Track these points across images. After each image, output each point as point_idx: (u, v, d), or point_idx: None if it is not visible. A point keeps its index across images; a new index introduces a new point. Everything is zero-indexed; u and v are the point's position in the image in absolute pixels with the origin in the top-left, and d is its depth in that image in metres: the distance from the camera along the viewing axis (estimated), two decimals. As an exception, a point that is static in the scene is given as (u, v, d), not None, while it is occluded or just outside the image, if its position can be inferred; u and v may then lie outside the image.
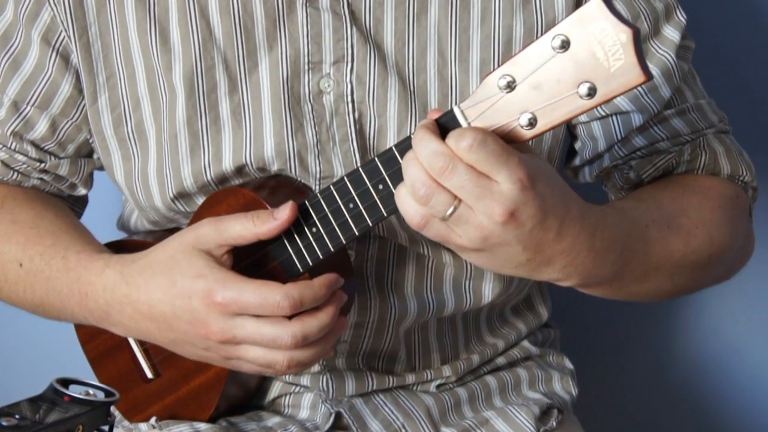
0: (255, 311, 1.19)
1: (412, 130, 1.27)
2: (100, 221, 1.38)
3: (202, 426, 1.36)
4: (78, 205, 1.47)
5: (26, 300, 1.36)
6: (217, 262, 1.21)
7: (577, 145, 1.39)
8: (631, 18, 1.30)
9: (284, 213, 1.20)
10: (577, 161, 1.40)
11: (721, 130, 1.40)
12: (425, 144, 1.06)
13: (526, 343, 1.51)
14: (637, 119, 1.34)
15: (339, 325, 1.24)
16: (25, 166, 1.39)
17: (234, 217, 1.21)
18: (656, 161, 1.36)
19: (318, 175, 1.30)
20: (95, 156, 1.40)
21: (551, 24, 1.29)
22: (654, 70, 1.32)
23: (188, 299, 1.20)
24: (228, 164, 1.30)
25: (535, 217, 1.07)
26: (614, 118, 1.34)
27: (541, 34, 1.28)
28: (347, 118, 1.29)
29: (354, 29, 1.27)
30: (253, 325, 1.19)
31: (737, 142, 1.42)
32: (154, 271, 1.23)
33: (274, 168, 1.29)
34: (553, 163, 1.36)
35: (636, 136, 1.35)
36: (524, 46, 1.06)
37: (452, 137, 1.05)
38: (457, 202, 1.06)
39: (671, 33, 1.33)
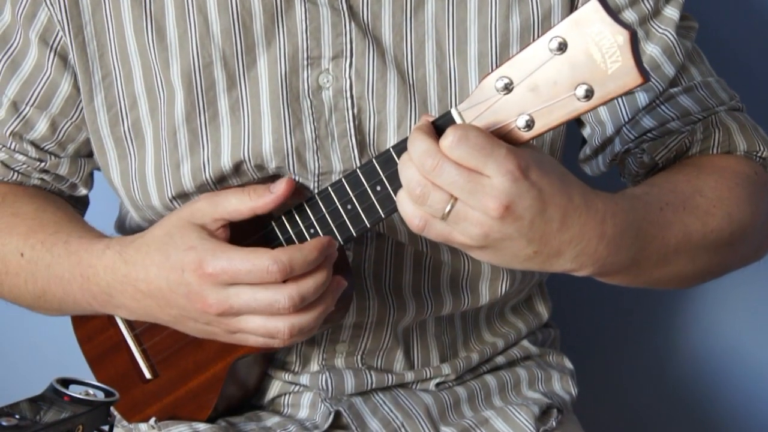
0: (246, 278, 1.18)
1: (412, 125, 1.28)
2: (98, 223, 1.38)
3: (201, 426, 1.36)
4: (79, 205, 1.47)
5: (27, 292, 1.35)
6: (210, 234, 1.21)
7: (586, 132, 1.39)
8: (631, 0, 1.31)
9: (280, 187, 1.21)
10: (588, 150, 1.39)
11: (733, 107, 1.38)
12: (417, 144, 1.07)
13: (525, 343, 1.50)
14: (642, 99, 1.33)
15: (336, 284, 1.22)
16: (25, 166, 1.39)
17: (230, 191, 1.22)
18: (668, 142, 1.34)
19: (316, 172, 1.30)
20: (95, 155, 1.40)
21: (547, 14, 1.29)
22: (655, 49, 1.32)
23: (181, 272, 1.20)
24: (226, 161, 1.29)
25: (533, 208, 1.06)
26: (619, 99, 1.33)
27: (537, 26, 1.28)
28: (346, 113, 1.29)
29: (353, 24, 1.27)
30: (248, 293, 1.18)
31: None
32: (150, 247, 1.23)
33: (272, 165, 1.29)
34: (555, 156, 1.35)
35: (644, 117, 1.34)
36: (521, 48, 1.06)
37: (442, 137, 1.06)
38: (453, 200, 1.06)
39: (670, 12, 1.32)
